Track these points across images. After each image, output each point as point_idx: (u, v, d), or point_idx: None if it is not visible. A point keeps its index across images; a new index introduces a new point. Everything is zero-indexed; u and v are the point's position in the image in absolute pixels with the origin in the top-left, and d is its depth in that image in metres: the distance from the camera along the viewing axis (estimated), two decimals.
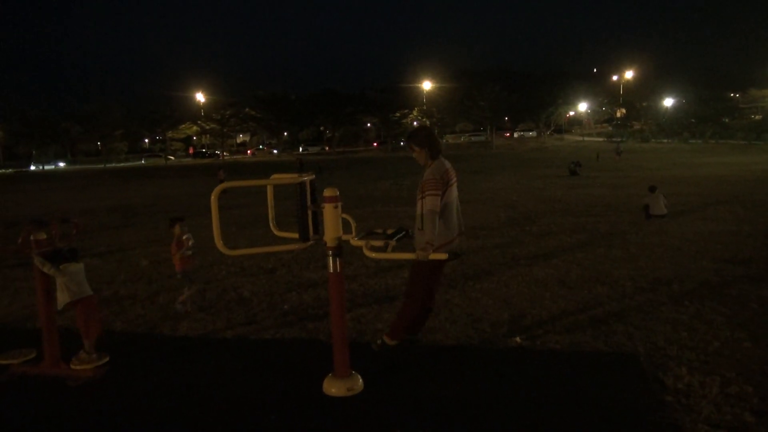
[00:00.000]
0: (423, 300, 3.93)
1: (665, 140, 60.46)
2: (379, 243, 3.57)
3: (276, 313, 5.73)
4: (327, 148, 75.69)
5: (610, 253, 7.99)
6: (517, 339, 4.64)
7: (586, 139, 69.20)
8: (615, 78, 78.42)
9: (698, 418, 3.22)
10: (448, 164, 3.84)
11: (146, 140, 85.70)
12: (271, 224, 4.23)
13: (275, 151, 75.58)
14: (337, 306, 3.70)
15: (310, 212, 3.67)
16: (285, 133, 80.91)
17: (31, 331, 5.37)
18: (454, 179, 3.86)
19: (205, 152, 74.23)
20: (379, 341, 4.17)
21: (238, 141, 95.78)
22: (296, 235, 3.91)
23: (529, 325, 5.03)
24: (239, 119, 73.65)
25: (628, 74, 77.00)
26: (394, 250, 3.59)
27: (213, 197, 3.40)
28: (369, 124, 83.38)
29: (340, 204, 3.61)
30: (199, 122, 72.29)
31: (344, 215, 3.68)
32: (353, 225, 3.78)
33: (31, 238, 4.15)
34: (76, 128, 70.27)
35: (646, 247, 8.31)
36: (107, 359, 4.29)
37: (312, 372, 4.10)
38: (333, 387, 3.72)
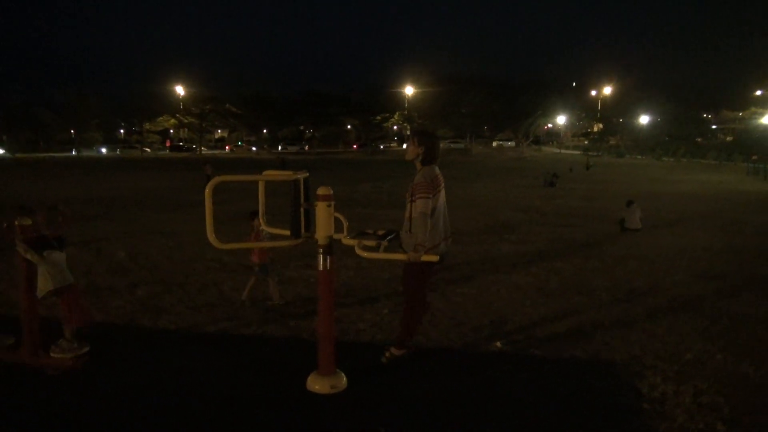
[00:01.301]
0: (423, 303, 3.99)
1: (639, 156, 61.63)
2: (371, 243, 3.61)
3: (258, 310, 5.72)
4: (307, 148, 75.46)
5: (587, 263, 8.15)
6: (498, 344, 4.72)
7: (563, 151, 70.21)
8: (593, 93, 79.78)
9: (673, 425, 3.33)
10: (437, 170, 3.94)
11: (122, 131, 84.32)
12: (261, 220, 4.24)
13: (254, 149, 75.04)
14: (325, 303, 3.72)
15: (302, 209, 3.69)
16: (264, 131, 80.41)
17: (7, 318, 5.29)
18: (443, 185, 3.95)
19: (183, 146, 73.37)
20: (387, 354, 4.15)
21: (216, 136, 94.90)
22: (285, 232, 3.93)
23: (509, 330, 5.12)
24: (219, 114, 72.91)
25: (607, 90, 78.41)
26: (385, 251, 3.63)
27: (207, 191, 3.40)
28: (350, 126, 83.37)
29: (333, 203, 3.65)
30: (177, 115, 71.35)
31: (336, 214, 3.72)
32: (345, 224, 3.82)
33: (16, 223, 4.09)
34: (48, 115, 68.76)
35: (622, 259, 8.50)
36: (87, 349, 4.24)
37: (295, 369, 4.11)
38: (317, 384, 3.74)
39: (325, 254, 3.64)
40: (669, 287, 6.76)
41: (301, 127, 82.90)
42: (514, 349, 4.64)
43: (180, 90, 70.41)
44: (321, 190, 3.61)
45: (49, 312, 4.85)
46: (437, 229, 3.85)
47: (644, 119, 72.59)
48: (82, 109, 67.55)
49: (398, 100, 75.18)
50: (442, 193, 3.91)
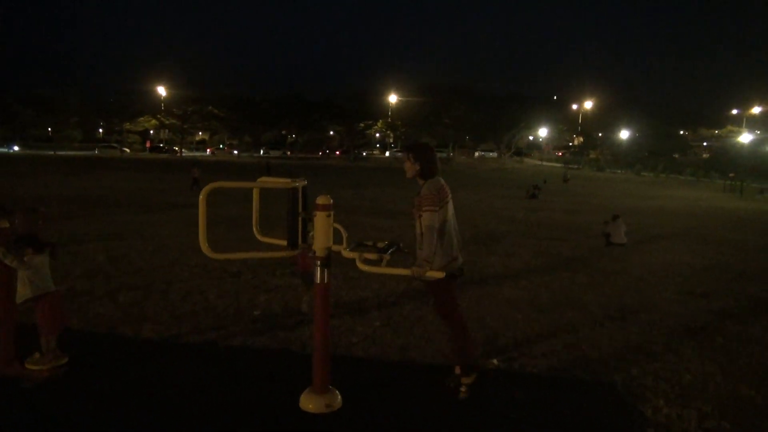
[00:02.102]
0: (462, 319, 3.76)
1: (619, 170, 62.51)
2: (372, 256, 3.46)
3: (245, 319, 5.52)
4: (289, 153, 75.03)
5: (576, 278, 8.10)
6: (494, 361, 4.60)
7: (544, 163, 70.86)
8: (575, 107, 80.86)
9: None
10: (442, 181, 3.78)
11: (101, 130, 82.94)
12: (254, 229, 4.06)
13: (236, 152, 74.32)
14: (321, 317, 3.56)
15: (300, 219, 3.54)
16: (246, 135, 79.85)
17: None
18: (450, 197, 3.79)
19: (163, 147, 72.33)
20: (463, 389, 3.82)
21: (197, 139, 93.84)
22: (281, 242, 3.77)
23: (504, 346, 5.00)
24: (201, 117, 72.14)
25: (588, 104, 79.52)
26: (387, 264, 3.48)
27: (201, 197, 3.23)
28: (332, 132, 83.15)
29: (332, 213, 3.49)
30: (158, 116, 70.42)
31: (335, 225, 3.56)
32: (344, 235, 3.65)
33: None
34: (27, 112, 67.35)
35: (610, 274, 8.46)
36: (66, 360, 4.02)
37: (286, 384, 3.96)
38: (311, 403, 3.57)
39: (323, 266, 3.48)
40: (660, 304, 6.72)
41: (284, 132, 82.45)
42: (512, 367, 4.52)
43: (162, 91, 69.60)
44: (320, 200, 3.46)
45: (25, 319, 4.61)
46: (451, 242, 3.66)
47: (624, 134, 73.74)
48: (61, 107, 66.30)
49: (382, 108, 75.33)
50: (450, 205, 3.75)
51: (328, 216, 3.46)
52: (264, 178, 3.90)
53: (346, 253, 3.49)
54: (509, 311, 6.12)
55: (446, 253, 3.58)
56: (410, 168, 3.78)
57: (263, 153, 71.00)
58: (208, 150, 78.41)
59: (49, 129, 74.81)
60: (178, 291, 6.51)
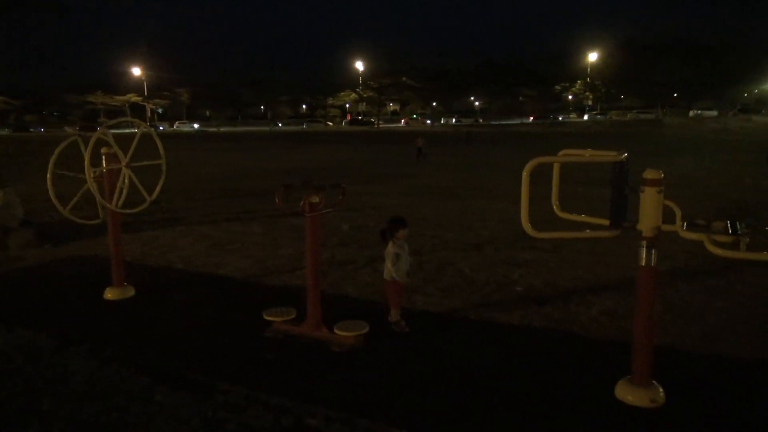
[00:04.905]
0: None
1: None
2: (725, 238, 3.00)
3: (510, 295, 5.40)
4: (480, 120, 74.29)
5: None
6: None
7: None
8: None
9: None
10: None
11: (304, 106, 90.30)
12: (554, 205, 3.84)
13: (429, 122, 75.57)
14: (645, 305, 3.22)
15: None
16: (434, 104, 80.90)
17: (272, 288, 5.63)
18: None
19: (361, 119, 76.34)
20: None
21: (390, 110, 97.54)
22: (594, 220, 3.52)
23: None
24: (396, 88, 74.71)
25: None
26: (749, 249, 2.94)
27: (525, 173, 3.07)
28: (521, 98, 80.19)
29: (663, 189, 3.11)
30: (357, 90, 74.50)
31: (666, 201, 3.15)
32: (678, 213, 3.23)
33: (306, 201, 4.18)
34: (247, 93, 75.82)
35: None
36: (366, 330, 4.21)
37: (584, 369, 3.73)
38: (630, 394, 3.28)
39: (649, 248, 3.14)
40: None
41: (472, 98, 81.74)
42: None
43: (360, 65, 73.32)
44: (649, 174, 3.10)
45: (329, 288, 4.96)
46: None
47: None
48: (274, 87, 73.46)
49: (579, 68, 70.64)
50: None
51: (659, 192, 3.09)
52: (567, 151, 3.63)
53: (686, 234, 3.09)
54: None
55: None
56: None
57: (455, 121, 71.22)
58: (402, 121, 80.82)
59: (262, 107, 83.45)
60: (431, 262, 6.62)
